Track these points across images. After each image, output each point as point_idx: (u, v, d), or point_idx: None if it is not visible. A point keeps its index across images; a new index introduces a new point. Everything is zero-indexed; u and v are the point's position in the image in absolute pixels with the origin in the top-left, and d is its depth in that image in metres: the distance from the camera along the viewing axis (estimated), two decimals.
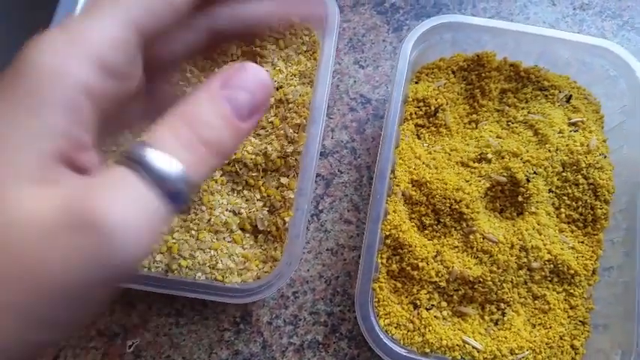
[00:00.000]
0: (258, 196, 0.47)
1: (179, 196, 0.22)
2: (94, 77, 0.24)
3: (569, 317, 0.45)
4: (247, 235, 0.47)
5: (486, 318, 0.45)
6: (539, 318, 0.45)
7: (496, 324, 0.45)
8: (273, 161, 0.47)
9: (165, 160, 0.22)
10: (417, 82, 0.51)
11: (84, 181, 0.22)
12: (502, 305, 0.45)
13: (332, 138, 0.54)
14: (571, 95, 0.49)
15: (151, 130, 0.23)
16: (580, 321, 0.45)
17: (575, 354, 0.44)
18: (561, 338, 0.44)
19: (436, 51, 0.51)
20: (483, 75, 0.50)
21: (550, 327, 0.44)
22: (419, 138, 0.50)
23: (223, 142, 0.24)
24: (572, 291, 0.45)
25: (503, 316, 0.45)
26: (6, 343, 0.20)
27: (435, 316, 0.44)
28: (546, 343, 0.44)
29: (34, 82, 0.22)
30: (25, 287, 0.20)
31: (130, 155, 0.22)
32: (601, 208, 0.46)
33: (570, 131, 0.48)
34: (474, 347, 0.43)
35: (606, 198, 0.46)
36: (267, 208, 0.47)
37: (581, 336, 0.44)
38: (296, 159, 0.47)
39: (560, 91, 0.49)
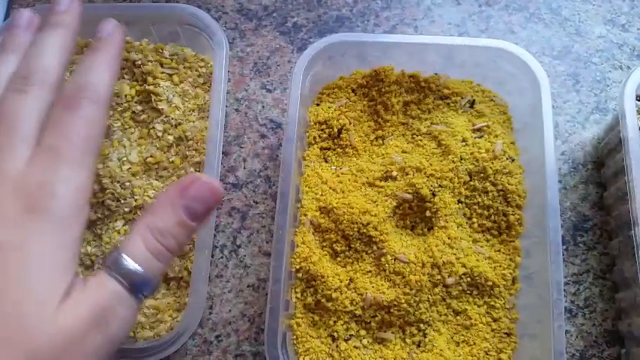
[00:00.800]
0: None
1: (144, 287, 0.30)
2: None
3: (492, 330, 0.44)
4: None
5: (408, 341, 0.43)
6: (462, 335, 0.44)
7: (418, 346, 0.43)
8: None
9: (131, 264, 0.30)
10: (318, 104, 0.49)
11: (86, 291, 0.29)
12: (422, 326, 0.43)
13: (244, 168, 0.52)
14: (474, 100, 0.48)
15: (126, 237, 0.31)
16: (505, 333, 0.44)
17: None
18: (487, 353, 0.43)
19: (341, 69, 0.50)
20: (384, 90, 0.48)
21: (474, 343, 0.43)
22: (326, 161, 0.48)
23: (180, 241, 0.32)
24: (493, 303, 0.44)
25: (425, 337, 0.43)
26: None
27: (354, 346, 0.43)
28: None
29: None
30: None
31: (106, 262, 0.30)
32: (513, 214, 0.45)
33: (475, 137, 0.46)
34: None
35: (518, 203, 0.45)
36: None
37: (507, 348, 0.43)
38: None
39: (462, 98, 0.48)
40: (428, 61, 0.49)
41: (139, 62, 0.49)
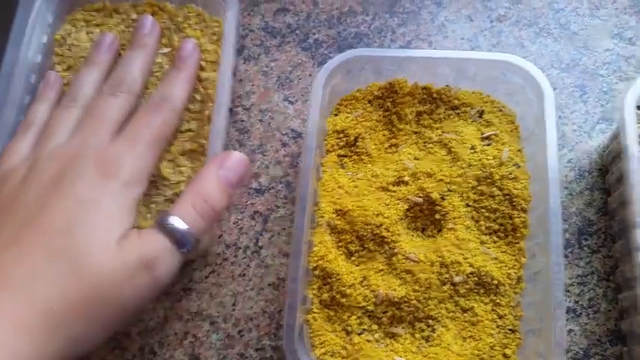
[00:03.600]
0: None
1: (187, 243, 0.40)
2: None
3: (498, 327, 0.46)
4: None
5: (417, 336, 0.46)
6: (469, 330, 0.46)
7: (427, 341, 0.46)
8: None
9: (178, 222, 0.40)
10: (336, 115, 0.53)
11: (140, 239, 0.39)
12: (431, 322, 0.46)
13: (267, 174, 0.56)
14: (483, 110, 0.51)
15: (177, 201, 0.42)
16: (510, 329, 0.46)
17: None
18: (492, 348, 0.45)
19: (358, 82, 0.53)
20: (398, 101, 0.52)
21: (480, 338, 0.46)
22: (343, 167, 0.52)
23: (222, 204, 0.43)
24: (498, 301, 0.46)
25: (433, 332, 0.46)
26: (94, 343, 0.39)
27: (367, 340, 0.46)
28: (477, 355, 0.45)
29: None
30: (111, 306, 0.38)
31: (157, 220, 0.41)
32: (519, 217, 0.47)
33: (483, 145, 0.49)
34: None
35: (523, 206, 0.47)
36: None
37: (512, 344, 0.46)
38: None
39: (471, 108, 0.51)
40: (440, 74, 0.52)
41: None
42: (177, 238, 0.39)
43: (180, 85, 0.48)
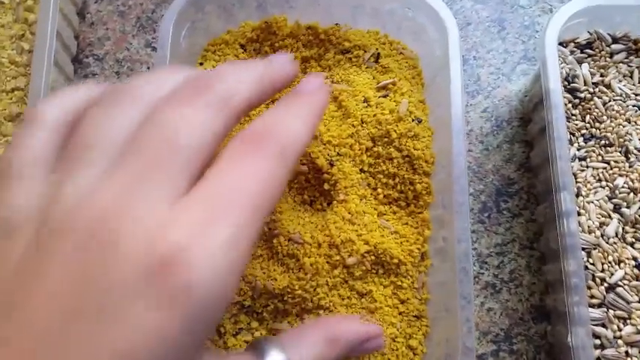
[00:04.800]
0: None
1: None
2: None
3: (400, 314, 0.39)
4: None
5: None
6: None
7: None
8: None
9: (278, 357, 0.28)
10: (201, 64, 0.43)
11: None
12: (321, 312, 0.38)
13: None
14: (379, 54, 0.42)
15: (284, 334, 0.31)
16: (414, 316, 0.39)
17: (414, 355, 0.38)
18: (394, 340, 0.38)
19: (228, 21, 0.43)
20: (277, 45, 0.42)
21: None
22: None
23: None
24: (399, 283, 0.39)
25: None
26: None
27: (245, 341, 0.38)
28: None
29: None
30: None
31: (258, 345, 0.28)
32: (420, 182, 0.39)
33: (379, 97, 0.41)
34: None
35: (425, 169, 0.39)
36: None
37: (418, 333, 0.38)
38: None
39: (365, 51, 0.42)
40: (332, 11, 0.43)
41: None
42: None
43: (298, 120, 0.26)
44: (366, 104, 0.40)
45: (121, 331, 0.19)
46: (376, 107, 0.40)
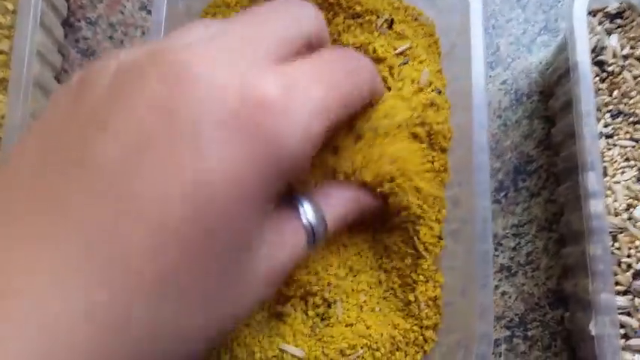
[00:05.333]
0: None
1: (318, 233, 0.29)
2: None
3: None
4: None
5: (310, 313, 0.36)
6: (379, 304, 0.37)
7: (323, 319, 0.36)
8: None
9: (313, 210, 0.29)
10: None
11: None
12: (327, 296, 0.36)
13: None
14: (392, 19, 0.39)
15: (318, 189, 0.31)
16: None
17: (425, 342, 0.36)
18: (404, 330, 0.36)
19: None
20: None
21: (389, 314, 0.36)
22: None
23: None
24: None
25: (329, 307, 0.36)
26: None
27: (245, 324, 0.36)
28: (389, 336, 0.36)
29: None
30: None
31: (294, 200, 0.28)
32: (438, 160, 0.37)
33: (400, 65, 0.38)
34: (293, 355, 0.35)
35: (442, 145, 0.37)
36: None
37: (431, 319, 0.36)
38: None
39: (378, 16, 0.39)
40: None
41: None
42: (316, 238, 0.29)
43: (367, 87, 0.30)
44: (389, 73, 0.37)
45: (199, 161, 0.20)
46: (398, 75, 0.37)
